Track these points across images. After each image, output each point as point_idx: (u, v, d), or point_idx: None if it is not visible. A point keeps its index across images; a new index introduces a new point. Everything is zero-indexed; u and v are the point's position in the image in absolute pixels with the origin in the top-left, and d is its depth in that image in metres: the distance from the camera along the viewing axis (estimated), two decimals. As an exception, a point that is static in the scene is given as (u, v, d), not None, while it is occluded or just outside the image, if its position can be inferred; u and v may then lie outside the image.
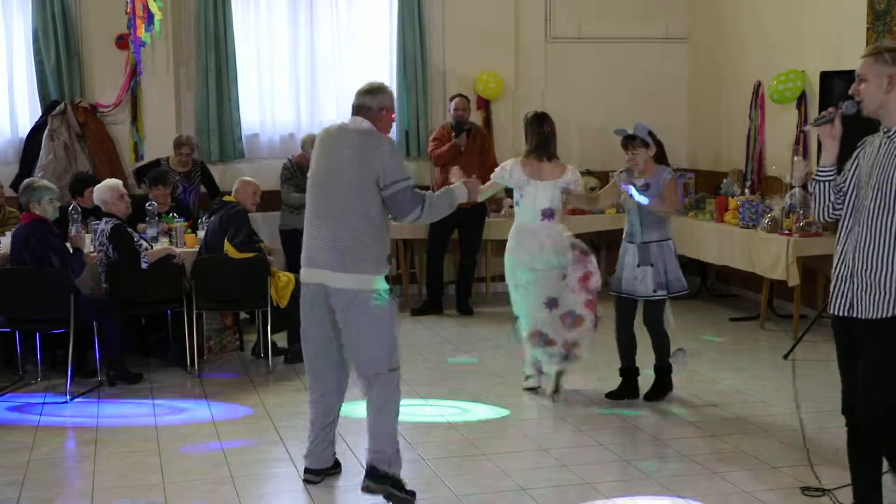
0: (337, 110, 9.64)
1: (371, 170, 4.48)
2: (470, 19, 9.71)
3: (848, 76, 7.30)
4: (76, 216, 7.40)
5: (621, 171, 6.11)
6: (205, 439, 5.60)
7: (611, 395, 6.21)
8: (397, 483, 4.59)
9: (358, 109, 4.68)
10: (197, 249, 7.25)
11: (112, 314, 6.68)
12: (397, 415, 4.67)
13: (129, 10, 7.97)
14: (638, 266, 5.94)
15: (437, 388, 6.58)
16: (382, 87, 4.74)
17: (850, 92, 3.79)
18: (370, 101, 4.66)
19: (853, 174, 3.84)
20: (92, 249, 7.10)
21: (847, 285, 3.84)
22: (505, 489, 4.81)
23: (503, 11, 9.84)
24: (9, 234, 7.04)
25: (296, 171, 8.53)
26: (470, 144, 8.74)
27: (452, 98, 8.97)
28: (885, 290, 3.72)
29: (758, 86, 9.00)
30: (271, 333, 7.09)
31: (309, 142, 8.71)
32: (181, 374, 6.99)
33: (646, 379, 6.23)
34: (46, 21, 8.76)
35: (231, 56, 9.22)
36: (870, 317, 3.76)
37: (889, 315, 3.73)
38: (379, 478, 4.59)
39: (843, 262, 3.85)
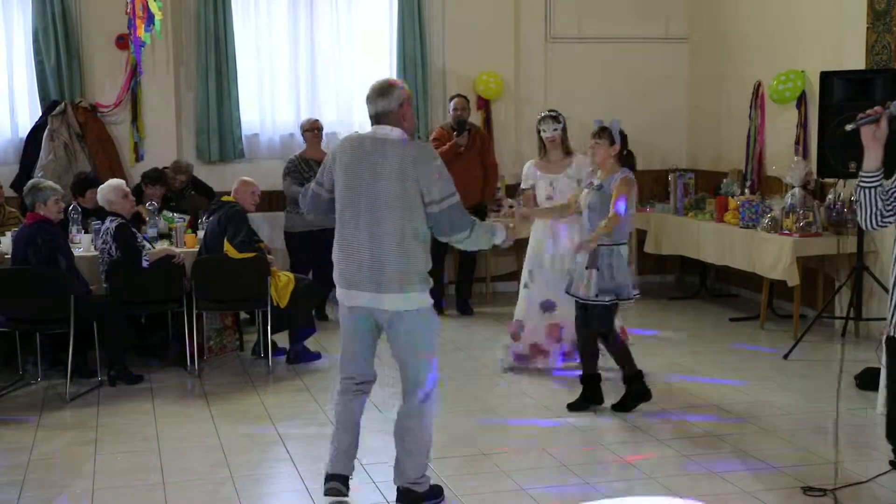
0: (337, 110, 9.66)
1: (418, 184, 4.24)
2: (470, 19, 9.71)
3: (848, 76, 7.35)
4: (76, 216, 7.42)
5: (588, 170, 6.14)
6: (205, 439, 5.60)
7: (572, 406, 5.97)
8: (431, 496, 4.58)
9: (379, 118, 4.36)
10: (197, 249, 7.25)
11: (112, 314, 6.69)
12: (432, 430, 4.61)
13: (129, 10, 7.98)
14: (586, 268, 5.78)
15: (437, 388, 6.56)
16: (392, 83, 4.42)
17: None
18: (387, 105, 4.34)
19: None
20: (92, 249, 7.13)
21: None
22: (505, 489, 4.81)
23: (503, 11, 9.85)
24: (9, 234, 7.05)
25: (300, 165, 8.54)
26: (469, 145, 8.74)
27: (452, 98, 8.97)
28: None
29: (758, 86, 9.00)
30: (271, 333, 7.09)
31: (308, 126, 8.71)
32: (181, 374, 6.99)
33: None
34: (46, 21, 8.76)
35: (231, 56, 9.22)
36: None
37: None
38: (414, 500, 4.53)
39: None
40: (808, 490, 4.65)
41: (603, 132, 5.86)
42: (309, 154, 8.62)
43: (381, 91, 4.36)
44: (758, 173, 8.98)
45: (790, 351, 7.21)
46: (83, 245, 7.24)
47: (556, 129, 6.71)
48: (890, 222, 3.62)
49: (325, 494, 4.55)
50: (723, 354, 7.42)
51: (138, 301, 6.93)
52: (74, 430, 5.83)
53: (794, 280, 7.60)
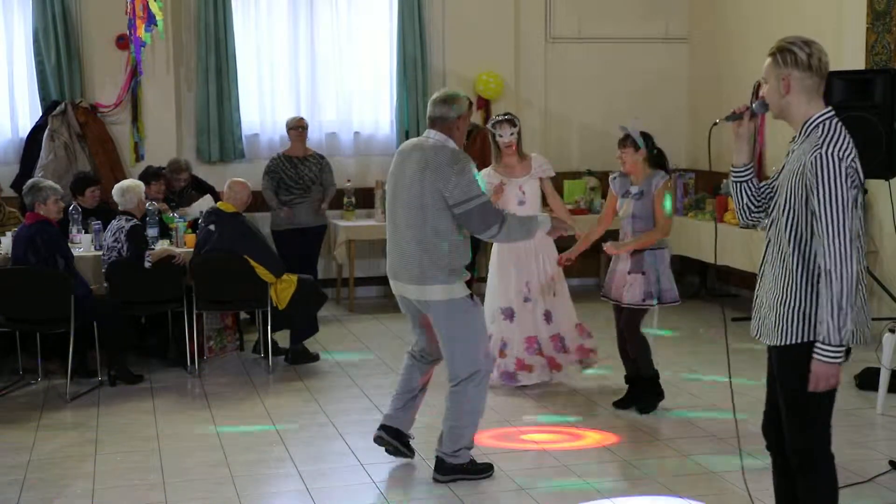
0: (337, 110, 9.66)
1: (437, 186, 4.61)
2: (470, 19, 9.71)
3: (848, 76, 7.35)
4: (76, 216, 7.41)
5: (615, 177, 6.00)
6: (205, 439, 5.60)
7: (618, 404, 6.05)
8: (466, 471, 4.89)
9: (434, 122, 4.79)
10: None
11: (112, 314, 6.69)
12: (477, 414, 4.91)
13: (129, 10, 7.98)
14: (629, 273, 5.81)
15: (438, 388, 6.56)
16: (458, 94, 4.87)
17: (760, 94, 3.54)
18: (448, 111, 4.78)
19: (776, 182, 3.51)
20: (92, 248, 7.13)
21: (757, 307, 3.53)
22: (505, 489, 4.81)
23: (503, 11, 9.85)
24: (9, 234, 7.04)
25: (281, 163, 8.63)
26: (470, 145, 8.74)
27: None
28: (785, 315, 3.37)
29: (758, 86, 8.98)
30: (272, 332, 7.09)
31: (293, 124, 8.74)
32: (181, 374, 7.00)
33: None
34: (46, 21, 8.76)
35: (231, 56, 9.22)
36: (775, 343, 3.43)
37: (783, 343, 3.38)
38: (446, 470, 4.87)
39: (758, 282, 3.54)
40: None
41: (626, 140, 5.82)
42: (291, 152, 8.71)
43: (447, 99, 4.82)
44: (757, 173, 8.94)
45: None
46: (83, 245, 7.24)
47: (512, 134, 6.44)
48: (759, 218, 3.65)
49: (374, 441, 5.08)
50: (722, 354, 7.39)
51: (138, 301, 6.93)
52: (74, 430, 5.84)
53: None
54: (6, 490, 4.85)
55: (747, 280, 9.10)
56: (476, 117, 9.55)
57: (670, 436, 5.56)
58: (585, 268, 10.42)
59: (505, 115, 6.61)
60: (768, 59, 3.41)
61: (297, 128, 8.75)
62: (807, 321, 3.34)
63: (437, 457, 4.91)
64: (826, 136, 3.30)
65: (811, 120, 3.37)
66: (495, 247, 6.58)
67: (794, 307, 3.35)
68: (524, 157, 6.56)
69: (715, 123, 3.73)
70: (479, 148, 8.86)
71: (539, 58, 10.06)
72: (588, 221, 9.45)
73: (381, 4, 9.70)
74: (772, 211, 3.50)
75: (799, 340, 3.35)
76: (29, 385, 6.75)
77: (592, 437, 5.54)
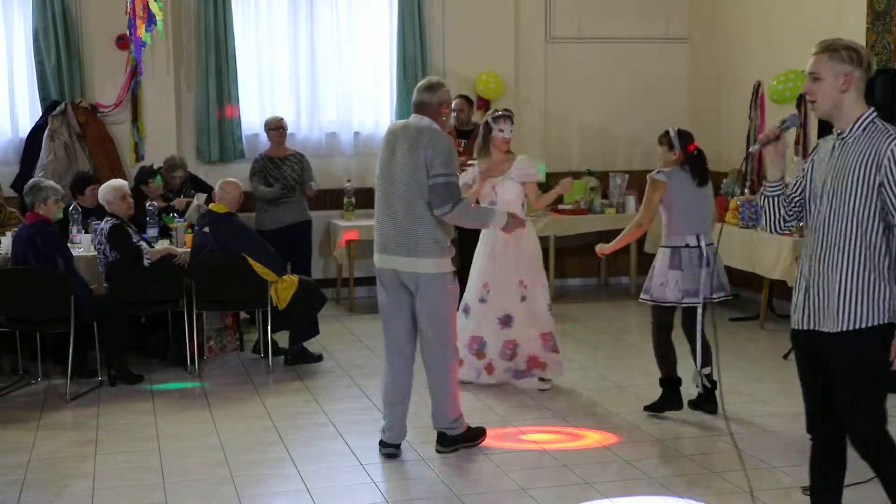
0: (337, 110, 9.65)
1: (423, 160, 4.89)
2: (470, 19, 9.71)
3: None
4: (76, 216, 7.41)
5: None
6: (205, 439, 5.61)
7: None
8: (466, 438, 5.25)
9: (419, 107, 5.04)
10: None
11: (112, 314, 6.69)
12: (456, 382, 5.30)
13: (129, 10, 7.98)
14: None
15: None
16: (440, 82, 5.13)
17: (803, 90, 3.68)
18: (429, 98, 5.03)
19: (808, 183, 3.68)
20: (91, 248, 7.13)
21: (804, 297, 3.66)
22: (505, 489, 4.81)
23: (503, 11, 9.85)
24: (9, 235, 7.05)
25: (265, 164, 8.61)
26: (469, 145, 8.74)
27: (453, 100, 9.00)
28: (841, 302, 3.53)
29: (758, 86, 9.00)
30: (272, 332, 7.09)
31: (273, 125, 8.72)
32: (181, 374, 7.00)
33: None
34: (46, 21, 8.76)
35: (231, 56, 9.22)
36: (830, 330, 3.57)
37: (848, 328, 3.53)
38: (449, 442, 5.22)
39: (801, 273, 3.69)
40: (807, 490, 4.64)
41: (662, 138, 5.86)
42: (272, 153, 8.71)
43: (429, 86, 5.07)
44: (758, 173, 8.98)
45: (790, 351, 7.21)
46: (83, 245, 7.24)
47: (511, 131, 6.45)
48: (792, 227, 3.86)
49: (383, 455, 5.23)
50: (722, 354, 7.40)
51: (138, 301, 6.93)
52: (74, 430, 5.84)
53: (793, 280, 7.59)
54: (6, 490, 4.85)
55: (749, 279, 9.11)
56: (476, 117, 9.55)
57: (670, 436, 5.55)
58: (586, 268, 10.44)
59: (505, 110, 6.64)
60: (823, 55, 3.55)
61: (278, 128, 8.73)
62: (874, 305, 3.51)
63: (438, 432, 5.24)
64: (892, 130, 3.50)
65: (866, 115, 3.55)
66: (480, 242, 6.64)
67: (859, 293, 3.51)
68: (511, 154, 6.54)
69: (749, 153, 4.11)
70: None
71: (539, 58, 10.06)
72: (588, 221, 9.53)
73: (381, 4, 9.70)
74: (819, 204, 3.61)
75: (867, 325, 3.51)
76: (29, 385, 6.75)
77: (592, 437, 5.54)
